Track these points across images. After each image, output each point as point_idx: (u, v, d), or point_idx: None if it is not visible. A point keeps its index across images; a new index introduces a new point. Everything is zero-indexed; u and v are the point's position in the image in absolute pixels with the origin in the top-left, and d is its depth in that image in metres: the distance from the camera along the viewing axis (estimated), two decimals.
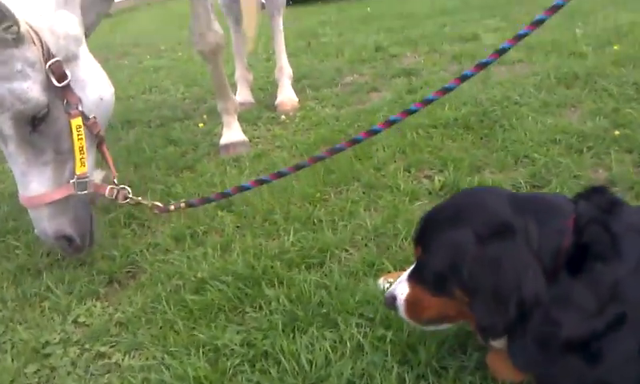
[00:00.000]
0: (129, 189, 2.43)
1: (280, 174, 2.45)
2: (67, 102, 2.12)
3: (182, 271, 2.20)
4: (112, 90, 2.37)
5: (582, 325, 1.30)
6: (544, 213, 1.39)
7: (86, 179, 2.21)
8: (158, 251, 2.42)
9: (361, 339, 1.66)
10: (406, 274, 1.51)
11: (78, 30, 2.22)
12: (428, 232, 1.48)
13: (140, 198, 2.47)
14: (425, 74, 4.44)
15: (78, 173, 2.19)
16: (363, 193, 2.61)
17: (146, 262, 2.34)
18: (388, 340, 1.62)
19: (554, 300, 1.33)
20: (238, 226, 2.51)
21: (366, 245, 2.19)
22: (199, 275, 2.14)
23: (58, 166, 2.18)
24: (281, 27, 4.39)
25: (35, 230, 2.26)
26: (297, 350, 1.65)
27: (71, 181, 2.19)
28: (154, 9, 14.67)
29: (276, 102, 4.19)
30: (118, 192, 2.38)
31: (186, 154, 3.52)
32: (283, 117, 3.94)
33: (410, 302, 1.49)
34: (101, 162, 2.59)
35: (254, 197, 2.70)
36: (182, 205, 2.48)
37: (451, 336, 1.61)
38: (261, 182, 2.50)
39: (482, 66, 2.08)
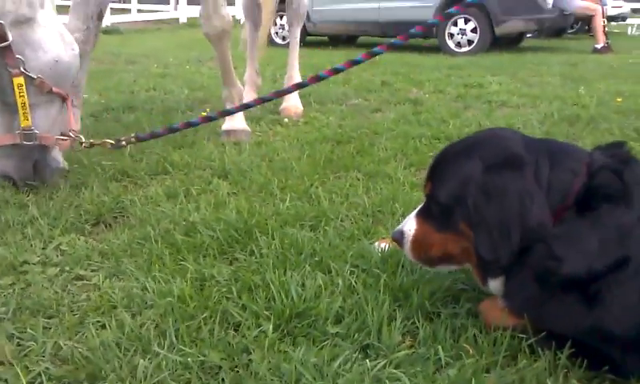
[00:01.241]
0: (81, 136, 2.64)
1: (301, 85, 2.85)
2: (7, 62, 2.28)
3: (173, 217, 2.16)
4: (74, 52, 2.53)
5: (582, 262, 1.27)
6: (557, 153, 1.39)
7: (31, 131, 2.39)
8: (150, 202, 2.37)
9: (353, 282, 1.62)
10: (414, 212, 1.49)
11: None
12: (438, 166, 1.48)
13: (92, 140, 2.68)
14: (429, 104, 4.48)
15: (22, 125, 2.38)
16: (362, 179, 2.59)
17: (135, 208, 2.29)
18: (381, 282, 1.58)
19: (558, 237, 1.31)
20: (234, 192, 2.48)
21: (362, 220, 2.16)
22: (190, 219, 2.09)
23: (7, 115, 2.39)
24: (297, 38, 4.47)
25: None
26: (286, 283, 1.60)
27: (16, 132, 2.38)
28: (163, 33, 14.84)
29: (281, 107, 4.21)
30: (67, 141, 2.55)
31: (185, 135, 3.49)
32: (286, 120, 3.95)
33: (417, 239, 1.48)
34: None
35: (252, 171, 2.68)
36: (133, 138, 2.72)
37: (444, 288, 1.57)
38: (262, 100, 2.83)
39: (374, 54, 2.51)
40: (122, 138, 2.71)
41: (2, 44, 2.25)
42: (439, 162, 1.49)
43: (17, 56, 2.30)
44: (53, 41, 2.43)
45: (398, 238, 1.51)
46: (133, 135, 2.75)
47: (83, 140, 2.64)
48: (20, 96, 2.33)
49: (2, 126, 2.39)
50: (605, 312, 1.25)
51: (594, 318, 1.26)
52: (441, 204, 1.42)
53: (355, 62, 2.52)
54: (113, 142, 2.69)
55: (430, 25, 2.48)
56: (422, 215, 1.49)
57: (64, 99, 2.54)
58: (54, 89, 2.44)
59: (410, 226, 1.50)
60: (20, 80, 2.32)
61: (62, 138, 2.53)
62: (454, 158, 1.45)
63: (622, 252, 1.26)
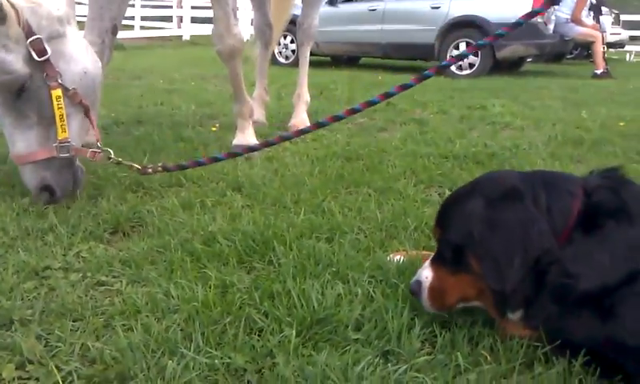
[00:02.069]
0: (110, 151, 2.66)
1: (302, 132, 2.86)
2: (47, 74, 2.38)
3: (191, 227, 2.21)
4: (98, 64, 2.63)
5: (597, 278, 1.33)
6: (552, 179, 1.49)
7: (68, 144, 2.45)
8: (166, 212, 2.42)
9: (372, 291, 1.67)
10: (429, 260, 1.56)
11: (62, 11, 2.46)
12: (445, 211, 1.56)
13: (120, 159, 2.68)
14: (434, 124, 4.56)
15: (59, 138, 2.45)
16: (373, 195, 2.65)
17: (153, 218, 2.34)
18: (399, 291, 1.63)
19: (570, 256, 1.37)
20: (248, 205, 2.53)
21: (375, 233, 2.21)
22: (209, 229, 2.15)
23: (42, 129, 2.45)
24: (307, 57, 4.57)
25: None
26: (307, 291, 1.65)
27: (53, 144, 2.44)
28: (166, 49, 14.97)
29: (289, 124, 4.28)
30: (100, 153, 2.61)
31: (196, 149, 3.56)
32: None
33: (434, 286, 1.52)
34: None
35: (264, 185, 2.74)
36: (159, 168, 2.70)
37: None
38: (282, 139, 2.86)
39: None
40: (150, 166, 2.71)
41: (43, 57, 2.34)
42: (445, 207, 1.58)
43: (56, 69, 2.39)
44: (81, 53, 2.53)
45: (416, 289, 1.54)
46: (159, 165, 2.73)
47: (112, 155, 2.66)
48: (59, 108, 2.40)
49: (38, 140, 2.44)
50: (619, 325, 1.30)
51: (609, 331, 1.31)
52: (451, 245, 1.49)
53: (406, 87, 2.58)
54: (140, 167, 2.69)
55: (480, 45, 2.42)
56: (436, 262, 1.54)
57: (87, 111, 2.59)
58: (83, 100, 2.51)
59: (425, 274, 1.53)
60: (58, 92, 2.40)
61: (96, 150, 2.59)
62: (457, 200, 1.55)
63: (632, 266, 1.32)
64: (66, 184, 2.55)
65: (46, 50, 2.35)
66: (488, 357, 1.39)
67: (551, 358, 1.38)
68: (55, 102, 2.40)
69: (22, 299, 1.73)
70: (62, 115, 2.42)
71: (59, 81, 2.40)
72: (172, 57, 12.57)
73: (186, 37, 17.29)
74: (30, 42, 2.32)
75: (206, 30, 16.22)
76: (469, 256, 1.46)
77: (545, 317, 1.40)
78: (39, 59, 2.34)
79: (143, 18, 17.88)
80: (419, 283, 1.53)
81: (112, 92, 6.03)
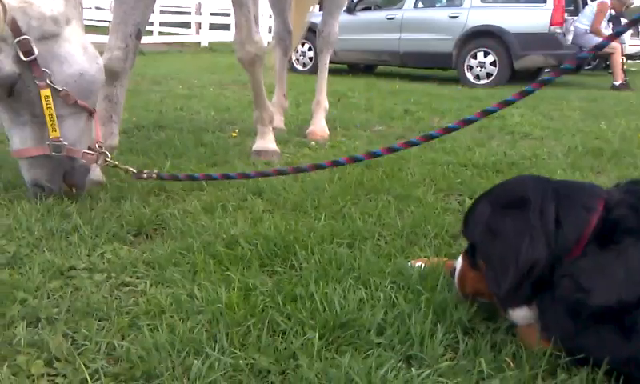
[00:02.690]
0: (108, 153, 2.73)
1: (318, 167, 2.63)
2: (34, 75, 2.41)
3: (214, 230, 2.23)
4: (97, 66, 2.64)
5: (611, 293, 1.32)
6: (568, 191, 1.48)
7: (60, 142, 2.51)
8: (188, 215, 2.45)
9: (393, 296, 1.68)
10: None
11: (57, 11, 2.46)
12: (469, 211, 1.64)
13: (117, 163, 2.77)
14: (454, 133, 4.54)
15: (51, 137, 2.50)
16: (393, 201, 2.66)
17: (175, 221, 2.37)
18: (423, 298, 1.64)
19: (583, 270, 1.37)
20: (268, 209, 2.55)
21: (396, 240, 2.22)
22: (231, 233, 2.17)
23: (37, 127, 2.51)
24: (327, 64, 4.58)
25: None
26: (329, 295, 1.67)
27: (46, 143, 2.50)
28: (185, 55, 15.07)
29: (307, 131, 4.30)
30: (93, 156, 2.65)
31: (216, 154, 3.59)
32: (313, 143, 4.04)
33: (460, 275, 1.64)
34: None
35: (285, 190, 2.76)
36: (154, 175, 2.74)
37: (486, 304, 1.63)
38: (298, 171, 2.63)
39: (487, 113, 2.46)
40: (145, 171, 2.77)
41: (29, 58, 2.37)
42: (471, 207, 1.65)
43: (43, 69, 2.42)
44: (78, 55, 2.54)
45: (452, 273, 1.69)
46: (155, 171, 2.80)
47: (109, 156, 2.72)
48: (47, 108, 2.45)
49: (32, 137, 2.50)
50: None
51: (632, 350, 1.30)
52: (469, 245, 1.61)
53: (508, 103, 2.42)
54: (135, 171, 2.76)
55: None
56: (466, 254, 1.64)
57: (91, 113, 2.63)
58: (79, 101, 2.54)
59: (458, 263, 1.66)
60: (47, 92, 2.44)
61: (89, 152, 2.62)
62: (475, 203, 1.63)
63: None
64: (56, 182, 2.60)
65: (32, 51, 2.37)
66: (511, 363, 1.40)
67: (572, 367, 1.38)
68: (44, 102, 2.43)
69: (49, 298, 1.76)
70: (52, 115, 2.46)
71: (48, 81, 2.43)
72: (190, 63, 12.65)
73: (205, 43, 17.39)
74: (17, 41, 2.34)
75: (224, 36, 16.43)
76: (478, 257, 1.55)
77: (560, 331, 1.40)
78: (25, 59, 2.36)
79: (162, 24, 18.03)
80: (454, 269, 1.67)
81: (133, 97, 6.09)
